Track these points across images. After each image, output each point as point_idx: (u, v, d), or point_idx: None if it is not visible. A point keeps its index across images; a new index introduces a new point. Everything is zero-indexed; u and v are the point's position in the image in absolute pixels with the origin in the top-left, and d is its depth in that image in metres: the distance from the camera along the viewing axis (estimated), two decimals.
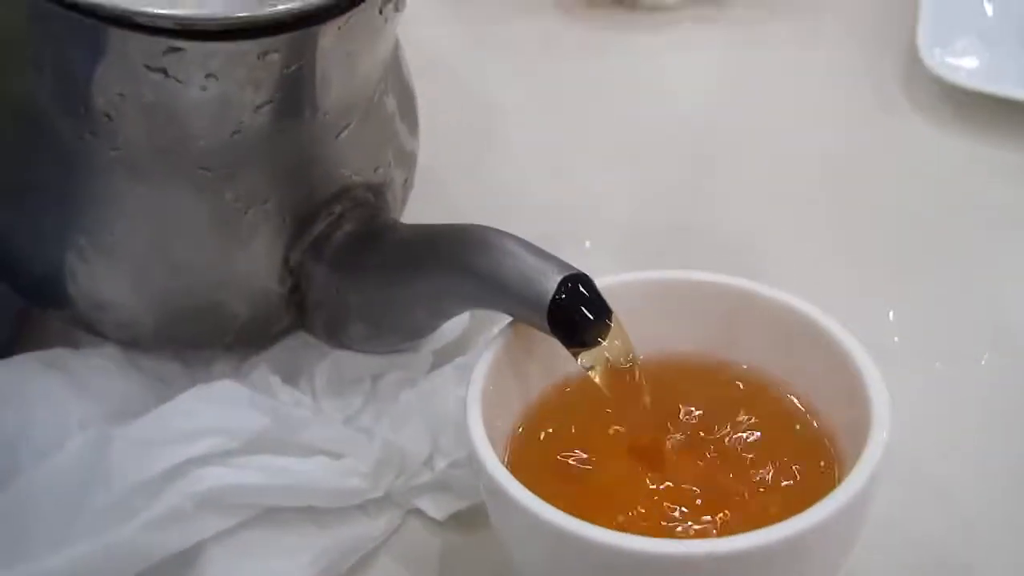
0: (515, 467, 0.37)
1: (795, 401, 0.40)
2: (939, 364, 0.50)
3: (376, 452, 0.43)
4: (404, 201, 0.51)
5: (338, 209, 0.45)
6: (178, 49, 0.38)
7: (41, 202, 0.44)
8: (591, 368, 0.39)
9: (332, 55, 0.42)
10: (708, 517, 0.37)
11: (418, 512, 0.44)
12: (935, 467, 0.45)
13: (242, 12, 0.38)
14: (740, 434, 0.39)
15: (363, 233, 0.45)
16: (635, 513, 0.37)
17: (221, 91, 0.40)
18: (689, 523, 0.37)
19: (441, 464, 0.44)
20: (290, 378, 0.46)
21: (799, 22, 0.72)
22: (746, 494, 0.37)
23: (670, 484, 0.38)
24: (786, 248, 0.56)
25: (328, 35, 0.41)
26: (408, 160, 0.51)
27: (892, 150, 0.63)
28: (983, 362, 0.50)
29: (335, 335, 0.47)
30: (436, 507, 0.44)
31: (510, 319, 0.41)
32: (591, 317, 0.38)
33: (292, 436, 0.42)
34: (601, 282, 0.39)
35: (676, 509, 0.37)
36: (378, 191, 0.47)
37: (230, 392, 0.43)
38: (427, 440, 0.44)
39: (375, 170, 0.47)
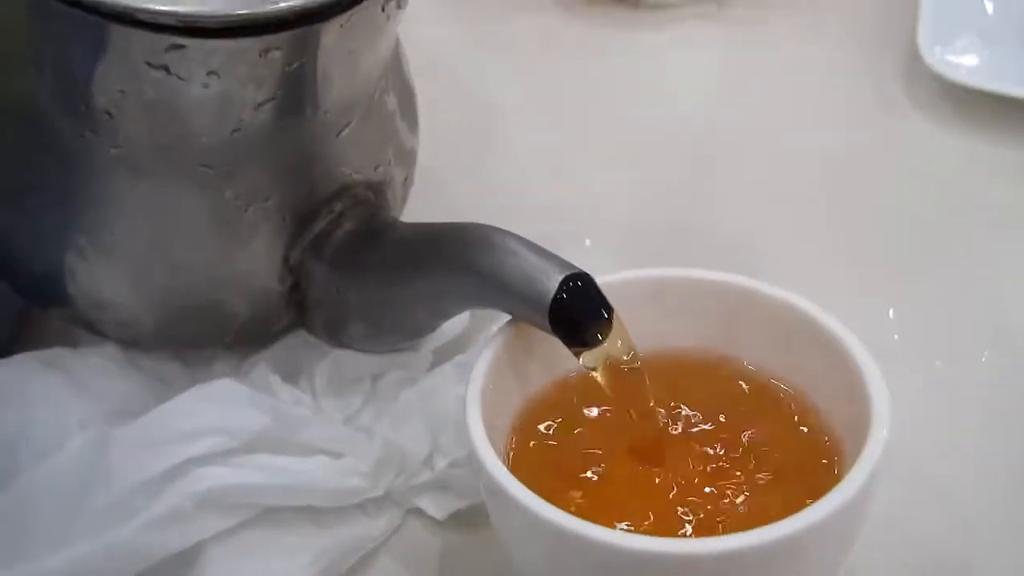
0: (515, 466, 0.37)
1: (795, 399, 0.40)
2: (939, 362, 0.50)
3: (376, 451, 0.43)
4: (404, 199, 0.51)
5: (338, 207, 0.45)
6: (180, 46, 0.38)
7: (41, 200, 0.44)
8: (593, 368, 0.39)
9: (334, 53, 0.41)
10: (708, 515, 0.37)
11: (418, 511, 0.44)
12: (935, 466, 0.45)
13: (244, 9, 0.38)
14: (740, 432, 0.39)
15: (363, 232, 0.45)
16: (635, 512, 0.37)
17: (222, 88, 0.40)
18: (689, 521, 0.37)
19: (441, 463, 0.44)
20: (290, 377, 0.46)
21: (799, 20, 0.72)
22: (746, 492, 0.37)
23: (670, 482, 0.38)
24: (786, 246, 0.56)
25: (330, 33, 0.40)
26: (408, 158, 0.51)
27: (892, 148, 0.63)
28: (983, 360, 0.50)
29: (335, 334, 0.46)
30: (436, 506, 0.44)
31: (510, 317, 0.41)
32: (593, 316, 0.38)
33: (292, 435, 0.42)
34: (602, 280, 0.39)
35: (676, 507, 0.37)
36: (378, 189, 0.47)
37: (230, 391, 0.43)
38: (427, 439, 0.44)
39: (375, 168, 0.47)
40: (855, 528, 0.36)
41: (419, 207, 0.52)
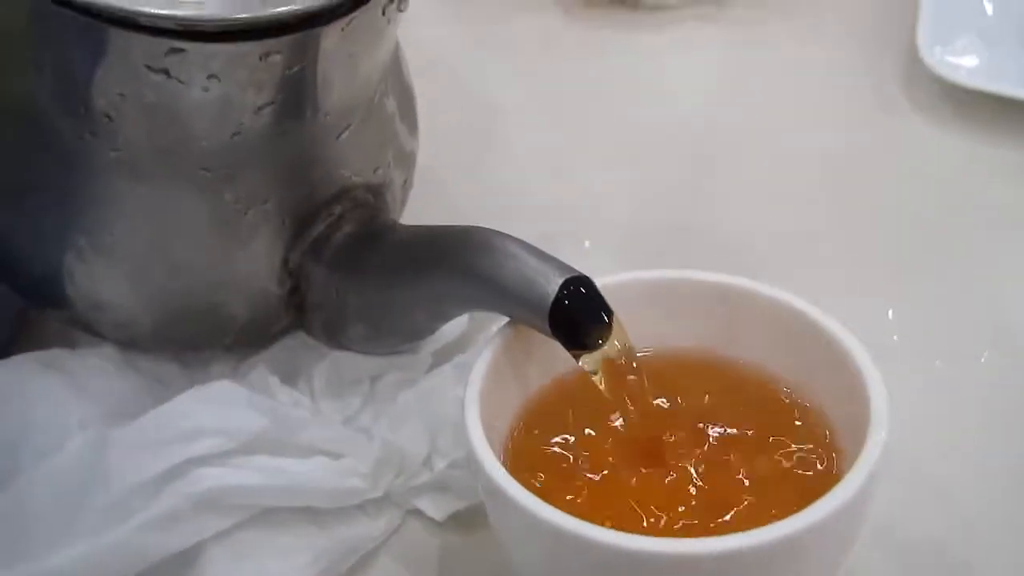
0: (513, 467, 0.37)
1: (795, 400, 0.40)
2: (939, 363, 0.50)
3: (375, 452, 0.43)
4: (404, 202, 0.51)
5: (338, 210, 0.45)
6: (180, 50, 0.38)
7: (40, 202, 0.44)
8: (593, 371, 0.39)
9: (334, 56, 0.42)
10: (707, 516, 0.37)
11: (417, 512, 0.44)
12: (935, 466, 0.45)
13: (244, 13, 0.39)
14: (740, 433, 0.39)
15: (363, 234, 0.45)
16: (634, 512, 0.37)
17: (222, 92, 0.40)
18: (689, 522, 0.37)
19: (440, 464, 0.44)
20: (289, 379, 0.46)
21: (799, 21, 0.72)
22: (745, 493, 0.37)
23: (670, 483, 0.38)
24: (786, 247, 0.56)
25: (331, 36, 0.41)
26: (408, 161, 0.51)
27: (892, 149, 0.63)
28: (983, 360, 0.50)
29: (334, 336, 0.47)
30: (435, 507, 0.44)
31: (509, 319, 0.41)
32: (593, 320, 0.38)
33: (291, 436, 0.42)
34: (601, 281, 0.39)
35: (675, 508, 0.37)
36: (378, 192, 0.47)
37: (228, 393, 0.43)
38: (426, 440, 0.44)
39: (375, 171, 0.47)
40: (855, 528, 0.36)
41: (419, 209, 0.52)
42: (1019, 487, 0.45)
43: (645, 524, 0.37)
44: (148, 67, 0.39)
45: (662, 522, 0.37)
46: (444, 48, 0.69)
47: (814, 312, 0.40)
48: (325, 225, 0.45)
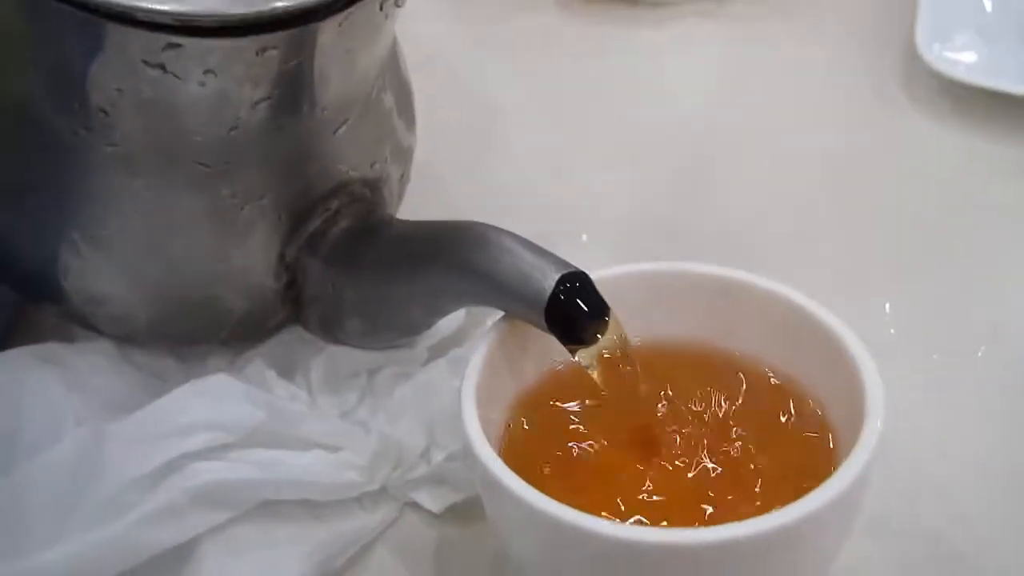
0: (510, 458, 0.37)
1: (791, 390, 0.41)
2: (936, 357, 0.50)
3: (372, 445, 0.43)
4: (401, 197, 0.51)
5: (334, 205, 0.45)
6: (177, 45, 0.39)
7: (37, 197, 0.44)
8: (589, 366, 0.39)
9: (331, 52, 0.42)
10: (704, 506, 0.37)
11: (414, 505, 0.44)
12: (930, 459, 0.45)
13: (241, 9, 0.38)
14: (736, 424, 0.40)
15: (359, 229, 0.45)
16: (631, 503, 0.37)
17: (219, 87, 0.40)
18: (685, 512, 0.37)
19: (437, 457, 0.44)
20: (285, 372, 0.46)
21: (798, 17, 0.72)
22: (742, 483, 0.38)
23: (666, 473, 0.38)
24: (783, 241, 0.56)
25: (328, 32, 0.41)
26: (405, 156, 0.51)
27: (891, 145, 0.63)
28: (980, 355, 0.50)
29: (331, 331, 0.47)
30: (433, 500, 0.44)
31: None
32: (589, 316, 0.38)
33: (288, 430, 0.42)
34: (598, 274, 0.39)
35: (672, 499, 0.37)
36: (375, 187, 0.47)
37: (225, 386, 0.43)
38: (423, 433, 0.44)
39: (372, 166, 0.47)
40: (850, 518, 0.36)
41: (416, 203, 0.52)
42: (1015, 480, 0.45)
43: (642, 515, 0.37)
44: (145, 62, 0.39)
45: (659, 512, 0.37)
46: (442, 43, 0.69)
47: (810, 304, 0.40)
48: (322, 220, 0.45)
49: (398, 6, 0.44)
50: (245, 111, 0.41)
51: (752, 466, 0.38)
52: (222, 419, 0.41)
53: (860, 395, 0.37)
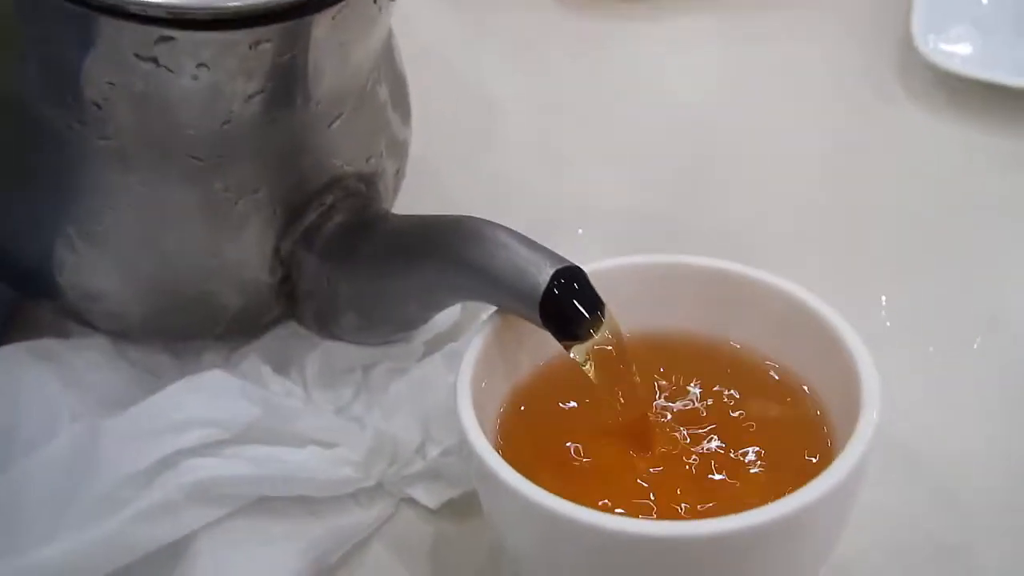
0: (506, 452, 0.37)
1: (787, 382, 0.41)
2: (932, 348, 0.50)
3: (368, 441, 0.43)
4: (396, 191, 0.51)
5: (329, 199, 0.45)
6: (169, 38, 0.38)
7: (30, 192, 0.44)
8: (583, 361, 0.39)
9: (325, 45, 0.41)
10: (700, 498, 0.37)
11: (410, 501, 0.44)
12: (927, 450, 0.45)
13: (234, 2, 0.38)
14: (732, 415, 0.40)
15: (354, 223, 0.45)
16: (627, 495, 0.37)
17: (212, 81, 0.40)
18: (682, 504, 0.37)
19: (433, 452, 0.44)
20: (281, 368, 0.46)
21: (795, 11, 0.72)
22: (739, 475, 0.38)
23: (662, 465, 0.38)
24: (780, 234, 0.56)
25: (322, 25, 0.40)
26: (400, 150, 0.50)
27: (886, 137, 0.63)
28: (975, 347, 0.50)
29: (326, 326, 0.46)
30: (428, 495, 0.44)
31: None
32: (583, 311, 0.38)
33: (283, 426, 0.42)
34: (592, 266, 0.39)
35: (669, 491, 0.37)
36: (370, 181, 0.47)
37: (220, 382, 0.43)
38: (418, 429, 0.44)
39: (367, 160, 0.47)
40: (847, 509, 0.36)
41: (411, 198, 0.52)
42: (1012, 471, 0.45)
43: (638, 507, 0.37)
44: (137, 55, 0.39)
45: (655, 505, 0.37)
46: (438, 37, 0.69)
47: (806, 296, 0.40)
48: (317, 214, 0.45)
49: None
50: (238, 104, 0.41)
51: (748, 458, 0.38)
52: (217, 415, 0.41)
53: (856, 386, 0.37)
